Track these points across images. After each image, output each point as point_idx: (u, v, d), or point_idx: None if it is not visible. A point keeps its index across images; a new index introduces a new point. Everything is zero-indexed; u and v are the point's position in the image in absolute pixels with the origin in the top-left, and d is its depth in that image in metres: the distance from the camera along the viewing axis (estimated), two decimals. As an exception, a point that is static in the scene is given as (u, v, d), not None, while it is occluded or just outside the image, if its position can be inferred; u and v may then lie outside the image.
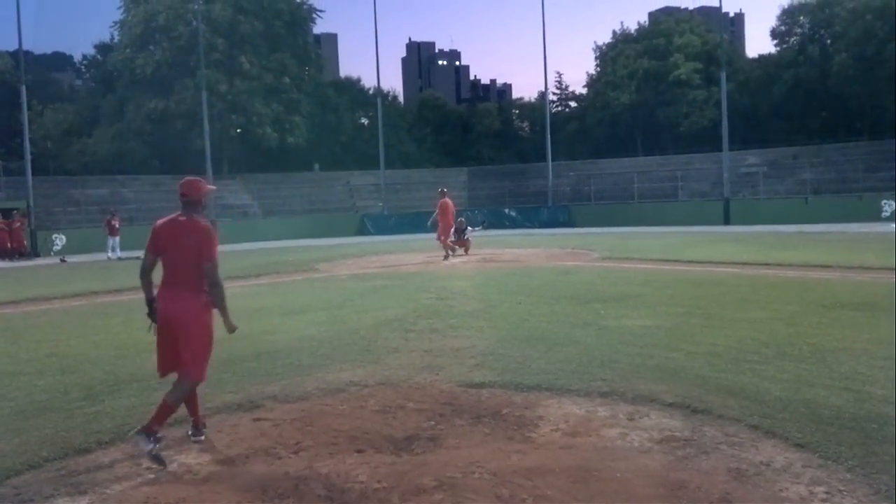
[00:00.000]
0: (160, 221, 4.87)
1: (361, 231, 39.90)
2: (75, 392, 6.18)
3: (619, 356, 6.73)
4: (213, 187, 4.96)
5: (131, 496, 3.90)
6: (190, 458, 4.47)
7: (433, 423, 4.95)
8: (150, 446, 4.30)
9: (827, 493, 3.62)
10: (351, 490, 3.70)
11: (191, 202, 4.84)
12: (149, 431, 4.35)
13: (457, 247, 21.20)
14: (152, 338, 8.64)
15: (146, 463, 4.34)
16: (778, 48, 54.11)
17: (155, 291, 4.77)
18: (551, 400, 5.40)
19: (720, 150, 38.39)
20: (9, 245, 30.24)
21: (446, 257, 19.48)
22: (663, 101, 53.19)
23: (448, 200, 20.23)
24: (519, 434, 4.68)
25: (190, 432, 4.90)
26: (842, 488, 3.66)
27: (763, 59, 57.22)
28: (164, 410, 4.56)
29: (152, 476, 4.19)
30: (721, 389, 5.47)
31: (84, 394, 6.10)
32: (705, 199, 39.06)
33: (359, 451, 4.38)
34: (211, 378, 6.41)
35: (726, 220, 35.37)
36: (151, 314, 4.80)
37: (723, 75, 38.00)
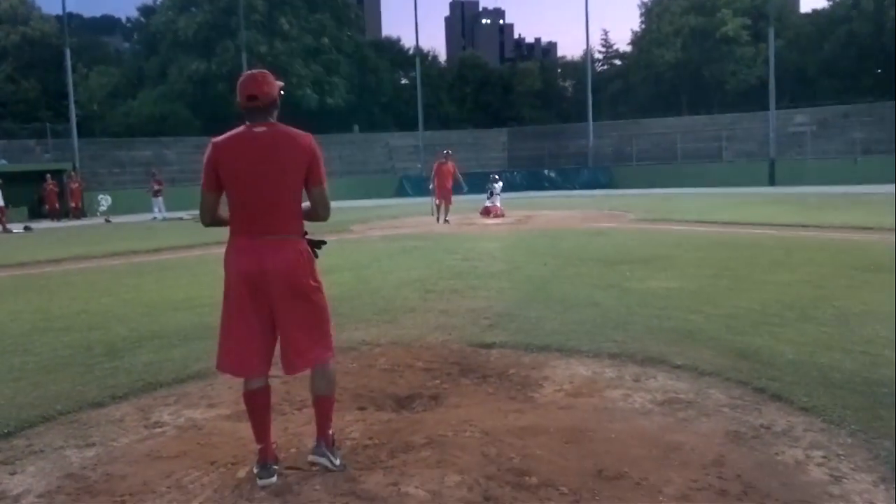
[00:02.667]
0: (219, 141, 3.42)
1: (400, 192, 40.03)
2: (98, 348, 6.33)
3: (636, 318, 6.66)
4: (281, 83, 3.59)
5: (136, 449, 4.01)
6: (197, 413, 4.57)
7: (438, 381, 4.97)
8: (337, 460, 3.51)
9: (824, 457, 3.55)
10: (342, 446, 3.75)
11: (263, 108, 3.41)
12: (328, 442, 3.55)
13: (492, 211, 21.04)
14: (180, 295, 8.97)
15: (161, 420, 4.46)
16: (831, 3, 52.14)
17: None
18: (559, 360, 5.37)
19: (767, 108, 37.37)
20: (53, 206, 31.09)
21: (438, 219, 19.52)
22: (710, 59, 51.90)
23: (445, 164, 19.97)
24: (521, 394, 4.68)
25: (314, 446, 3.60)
26: (840, 452, 3.59)
27: (815, 15, 55.23)
28: (329, 407, 3.63)
29: (159, 430, 4.30)
30: (733, 352, 5.38)
31: (106, 350, 6.26)
32: (751, 159, 38.23)
33: (360, 409, 4.42)
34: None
35: (771, 181, 34.63)
36: None
37: (771, 31, 36.91)
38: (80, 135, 36.06)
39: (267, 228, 3.37)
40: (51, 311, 8.44)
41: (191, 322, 7.30)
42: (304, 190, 3.45)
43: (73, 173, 32.81)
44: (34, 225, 26.94)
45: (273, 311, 3.40)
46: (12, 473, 3.75)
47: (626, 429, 3.96)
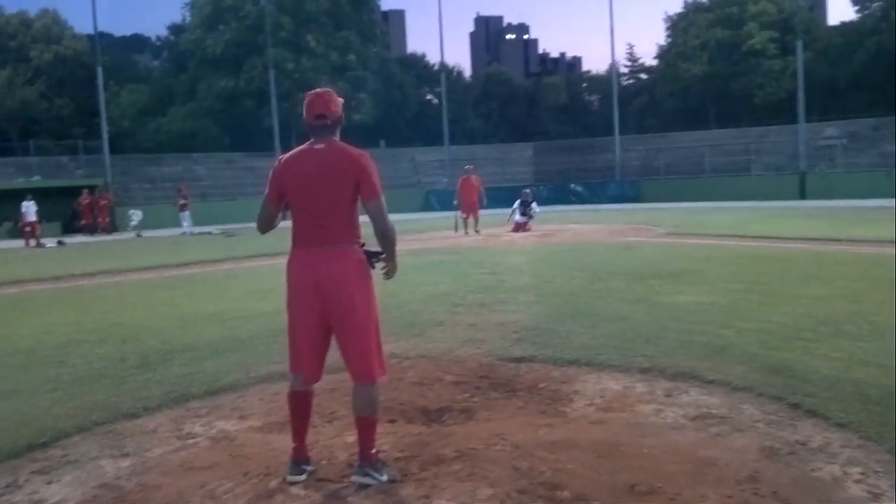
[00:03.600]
0: (284, 157, 3.65)
1: (426, 207, 40.13)
2: (131, 360, 6.42)
3: (667, 332, 6.61)
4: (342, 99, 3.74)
5: (169, 460, 4.04)
6: (229, 425, 4.60)
7: (468, 395, 4.97)
8: (383, 476, 3.49)
9: (862, 473, 3.49)
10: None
11: (329, 126, 3.58)
12: (370, 461, 3.54)
13: (525, 225, 21.04)
14: (211, 309, 9.07)
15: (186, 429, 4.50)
16: (859, 14, 51.59)
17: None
18: (590, 375, 5.34)
19: (797, 121, 37.02)
20: (88, 220, 31.58)
21: (467, 232, 20.17)
22: (737, 72, 51.49)
23: (468, 179, 20.81)
24: (552, 408, 4.66)
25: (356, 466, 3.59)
26: (878, 469, 3.52)
27: (843, 27, 54.67)
28: (370, 427, 3.62)
29: (191, 441, 4.34)
30: (766, 367, 5.31)
31: (139, 362, 6.34)
32: (780, 173, 37.84)
33: (390, 422, 4.42)
34: (260, 348, 6.63)
35: (802, 195, 34.22)
36: None
37: (799, 44, 36.64)
38: (111, 151, 36.66)
39: (322, 239, 3.54)
40: (85, 323, 8.57)
41: (222, 335, 7.37)
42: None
43: (103, 190, 33.29)
44: (67, 239, 27.38)
45: (327, 321, 3.55)
46: (48, 483, 3.81)
47: (659, 444, 3.92)
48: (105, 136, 35.93)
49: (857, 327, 6.61)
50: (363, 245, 3.62)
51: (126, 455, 4.16)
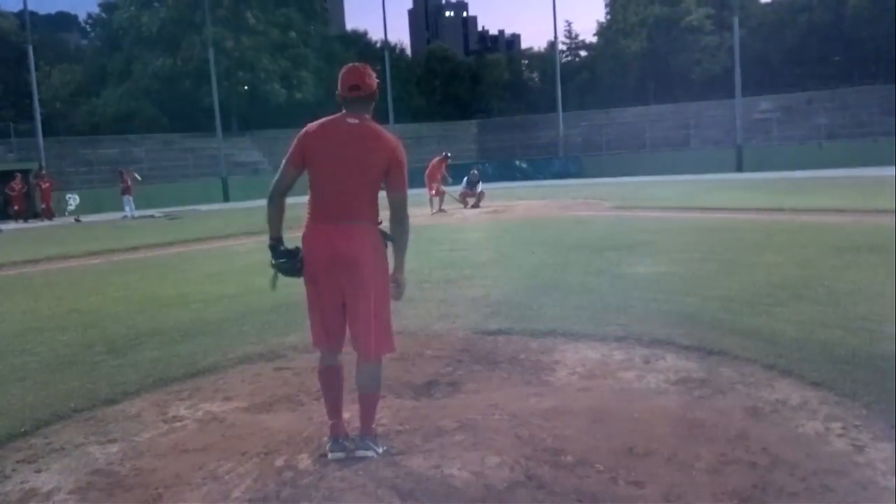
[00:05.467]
0: (314, 125, 3.55)
1: (372, 186, 39.91)
2: (98, 346, 6.27)
3: (635, 302, 6.77)
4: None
5: (160, 443, 3.99)
6: (214, 407, 4.56)
7: (451, 369, 5.03)
8: (380, 448, 3.58)
9: (843, 428, 3.67)
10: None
11: (363, 99, 3.52)
12: (371, 435, 3.62)
13: (468, 199, 21.30)
14: (170, 292, 8.89)
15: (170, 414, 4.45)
16: (792, -9, 53.00)
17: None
18: (567, 345, 5.45)
19: (733, 96, 37.90)
20: (21, 207, 30.34)
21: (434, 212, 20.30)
22: (675, 49, 52.47)
23: (435, 161, 21.19)
24: (536, 378, 4.74)
25: (356, 439, 3.63)
26: (857, 423, 3.71)
27: (777, 4, 56.11)
28: (374, 404, 3.69)
29: (179, 424, 4.29)
30: (736, 332, 5.51)
31: (107, 348, 6.20)
32: (718, 147, 38.73)
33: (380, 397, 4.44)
34: (232, 330, 6.57)
35: (739, 168, 35.15)
36: (280, 263, 3.57)
37: (735, 20, 37.35)
38: (44, 133, 35.35)
39: (340, 214, 3.47)
40: (39, 311, 8.32)
41: (188, 318, 7.26)
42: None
43: (41, 173, 32.08)
44: (2, 226, 26.38)
45: (343, 295, 3.50)
46: (38, 471, 3.72)
47: (647, 408, 4.04)
48: (38, 118, 34.60)
49: (814, 292, 6.90)
50: (380, 223, 3.57)
51: (113, 440, 4.09)
